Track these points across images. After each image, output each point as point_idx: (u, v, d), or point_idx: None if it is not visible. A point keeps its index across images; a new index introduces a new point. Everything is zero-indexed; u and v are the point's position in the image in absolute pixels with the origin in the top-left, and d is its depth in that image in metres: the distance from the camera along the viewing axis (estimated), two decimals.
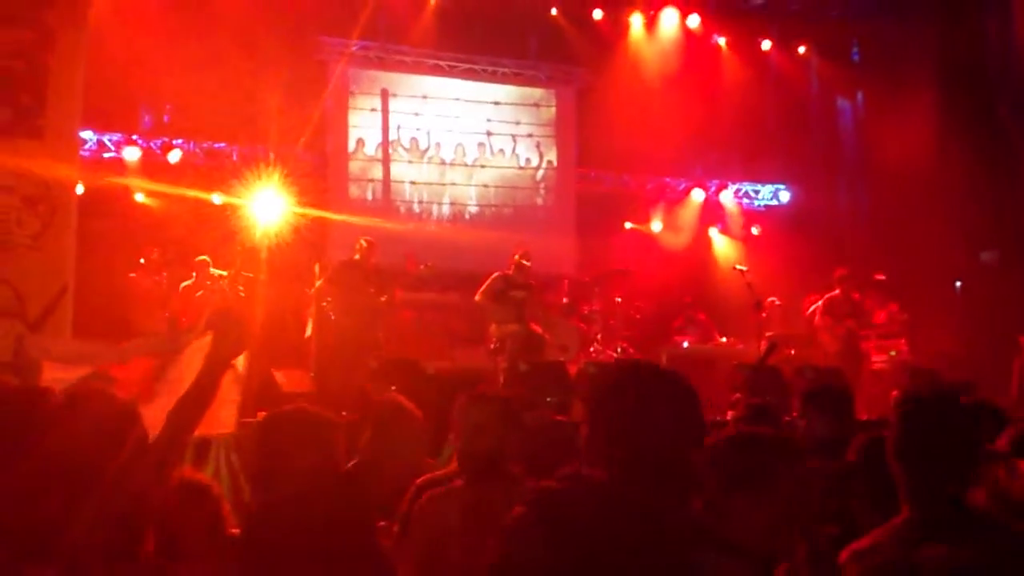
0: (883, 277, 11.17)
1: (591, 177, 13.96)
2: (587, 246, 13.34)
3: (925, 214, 12.07)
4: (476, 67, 13.32)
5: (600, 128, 13.15)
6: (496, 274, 9.80)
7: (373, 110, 12.84)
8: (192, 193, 10.65)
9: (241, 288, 9.35)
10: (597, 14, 13.57)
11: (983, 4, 12.48)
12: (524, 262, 9.83)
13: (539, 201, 13.78)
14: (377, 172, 12.84)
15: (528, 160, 13.67)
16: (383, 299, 9.46)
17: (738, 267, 11.00)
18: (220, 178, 10.81)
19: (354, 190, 12.74)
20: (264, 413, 3.59)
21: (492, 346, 9.68)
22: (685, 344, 11.47)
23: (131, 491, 2.24)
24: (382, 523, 3.27)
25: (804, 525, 2.59)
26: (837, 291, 10.54)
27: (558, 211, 13.78)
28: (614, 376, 2.13)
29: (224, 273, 9.61)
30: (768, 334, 10.30)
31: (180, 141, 11.60)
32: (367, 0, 11.81)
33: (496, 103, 13.52)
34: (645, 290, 12.19)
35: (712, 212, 14.46)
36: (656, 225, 14.04)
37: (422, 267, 10.27)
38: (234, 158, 11.64)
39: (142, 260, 10.49)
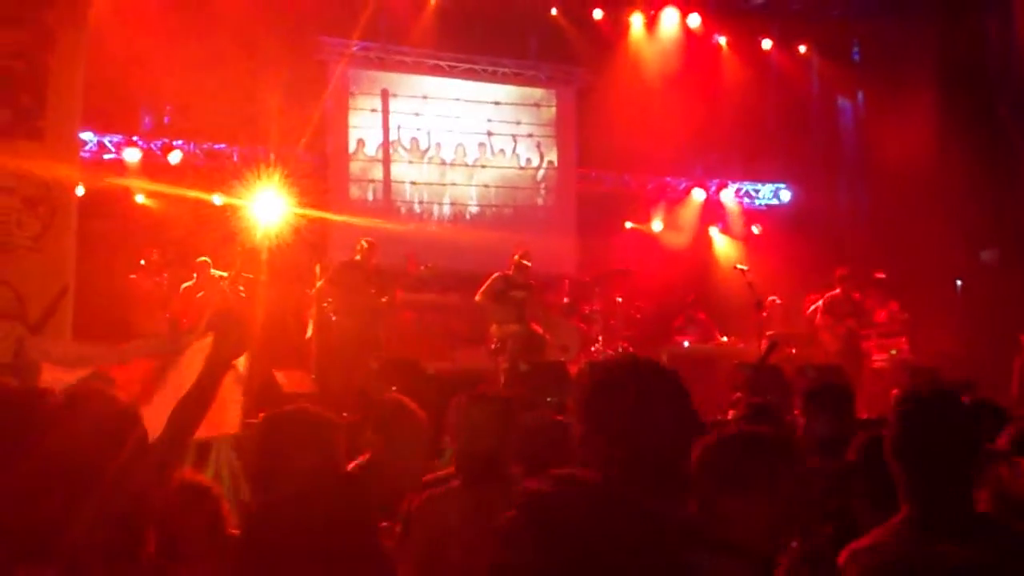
0: (883, 276, 11.18)
1: (592, 177, 13.96)
2: (588, 246, 13.34)
3: (925, 213, 12.07)
4: (476, 67, 13.32)
5: (600, 128, 13.15)
6: (496, 274, 9.80)
7: (373, 110, 12.83)
8: (192, 194, 10.65)
9: (242, 289, 9.34)
10: (597, 14, 13.56)
11: (983, 4, 12.49)
12: (524, 262, 9.83)
13: (540, 201, 13.78)
14: (377, 173, 12.84)
15: (529, 160, 13.66)
16: (384, 300, 9.46)
17: (739, 266, 11.00)
18: (220, 179, 10.80)
19: (355, 191, 12.74)
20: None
21: (493, 346, 9.68)
22: (686, 344, 11.47)
23: (132, 492, 2.24)
24: (384, 524, 3.27)
25: (803, 525, 2.58)
26: (838, 290, 10.55)
27: (559, 211, 13.78)
28: (614, 374, 2.10)
29: (225, 274, 9.60)
30: (769, 333, 10.29)
31: (180, 142, 11.60)
32: (367, 0, 11.82)
33: (496, 103, 13.51)
34: (646, 290, 12.18)
35: (713, 212, 14.46)
36: (657, 225, 14.04)
37: (423, 268, 10.27)
38: (234, 159, 11.64)
39: (143, 261, 10.50)
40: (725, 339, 11.68)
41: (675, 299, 12.28)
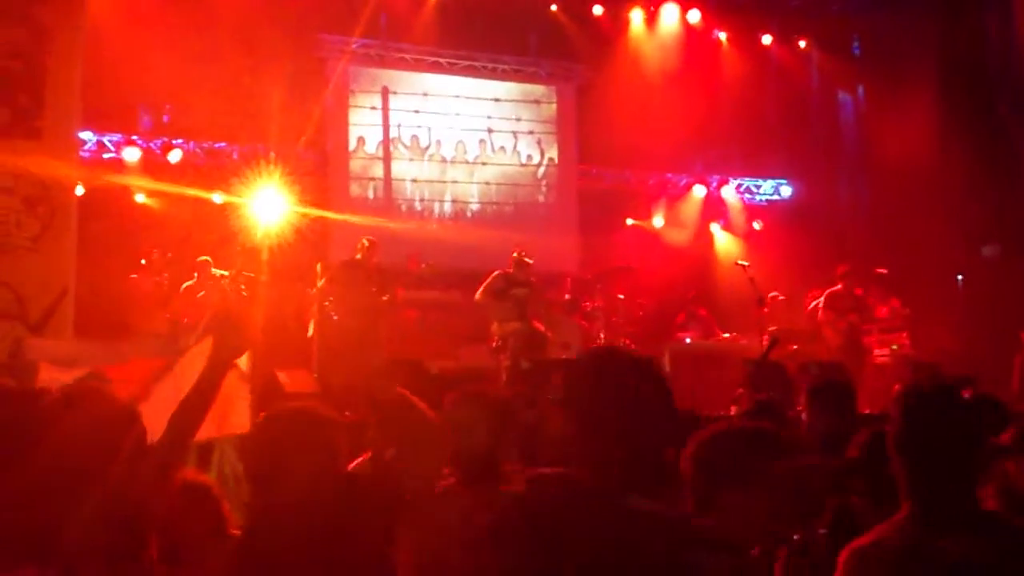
0: (885, 272, 11.16)
1: (592, 174, 13.95)
2: (589, 243, 13.33)
3: (926, 208, 12.06)
4: (476, 64, 13.30)
5: (601, 124, 13.13)
6: (496, 272, 9.78)
7: (373, 108, 12.83)
8: (193, 193, 10.65)
9: (243, 288, 9.33)
10: (597, 10, 13.56)
11: None
12: (525, 259, 9.82)
13: (541, 198, 13.77)
14: (378, 170, 12.83)
15: (529, 157, 13.65)
16: (385, 298, 9.44)
17: (740, 262, 10.96)
18: (221, 178, 10.81)
19: (355, 188, 12.73)
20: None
21: (494, 344, 9.66)
22: (688, 340, 11.46)
23: (133, 494, 2.24)
24: (385, 524, 3.25)
25: (802, 521, 2.57)
26: (839, 286, 10.53)
27: (560, 208, 13.76)
28: (589, 367, 2.08)
29: (225, 273, 9.58)
30: (770, 329, 10.26)
31: (180, 141, 11.59)
32: None
33: (497, 100, 13.50)
34: (647, 286, 12.17)
35: (714, 208, 14.46)
36: (658, 221, 14.04)
37: (424, 266, 10.27)
38: (234, 157, 11.63)
39: (143, 261, 10.48)
40: (727, 335, 11.67)
41: (676, 295, 12.27)
